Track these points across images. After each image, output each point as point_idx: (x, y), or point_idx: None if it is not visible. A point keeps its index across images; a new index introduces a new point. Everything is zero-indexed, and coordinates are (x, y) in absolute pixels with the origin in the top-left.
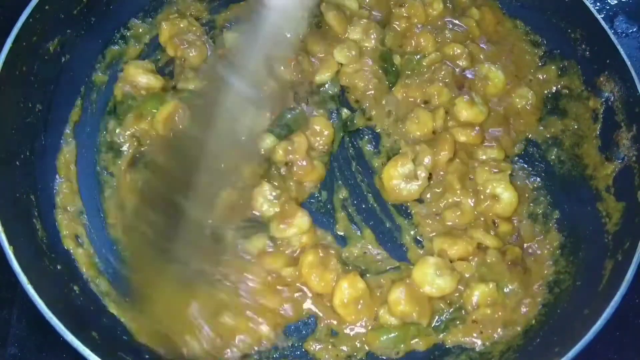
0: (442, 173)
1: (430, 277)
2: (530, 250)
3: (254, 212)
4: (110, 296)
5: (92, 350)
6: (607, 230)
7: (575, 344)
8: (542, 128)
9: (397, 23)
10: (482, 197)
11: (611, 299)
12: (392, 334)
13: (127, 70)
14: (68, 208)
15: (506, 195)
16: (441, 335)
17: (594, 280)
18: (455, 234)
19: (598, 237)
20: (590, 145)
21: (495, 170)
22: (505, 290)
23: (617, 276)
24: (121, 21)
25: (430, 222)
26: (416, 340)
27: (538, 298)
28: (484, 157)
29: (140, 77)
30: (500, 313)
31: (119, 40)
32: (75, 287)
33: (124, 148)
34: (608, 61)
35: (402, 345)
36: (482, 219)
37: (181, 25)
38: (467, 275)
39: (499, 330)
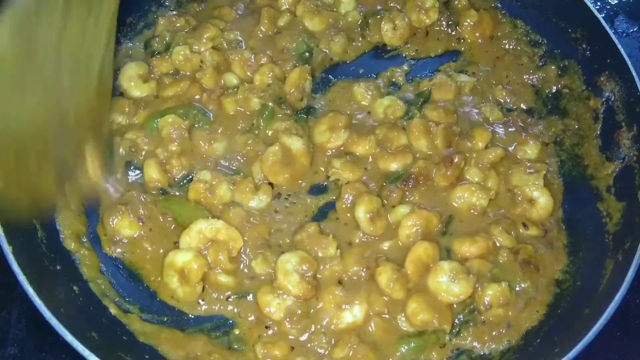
0: None
1: (445, 285)
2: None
3: None
4: (110, 296)
5: (91, 350)
6: (608, 230)
7: (575, 344)
8: (542, 128)
9: None
10: (518, 199)
11: (612, 299)
12: (412, 344)
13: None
14: (68, 208)
15: (542, 200)
16: (454, 341)
17: (595, 280)
18: (473, 232)
19: (599, 237)
20: (590, 145)
21: (530, 171)
22: (516, 289)
23: (617, 276)
24: (121, 20)
25: None
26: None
27: (545, 298)
28: (520, 155)
29: (133, 91)
30: (510, 313)
31: (119, 39)
32: (75, 288)
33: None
34: (608, 61)
35: (422, 357)
36: (508, 218)
37: (177, 25)
38: (486, 273)
39: (503, 330)
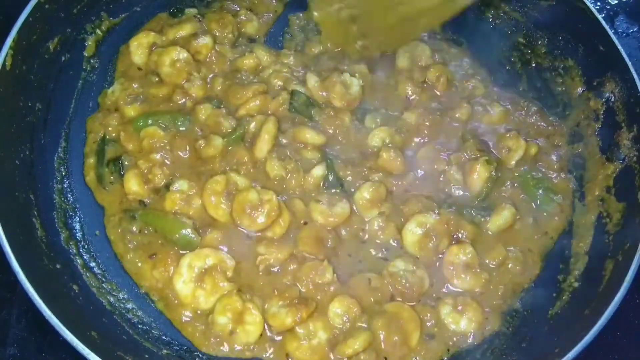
0: None
1: None
2: None
3: None
4: (108, 295)
5: (91, 350)
6: (608, 231)
7: (575, 344)
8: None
9: None
10: None
11: (611, 299)
12: None
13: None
14: (67, 207)
15: None
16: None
17: (595, 280)
18: None
19: (598, 237)
20: (590, 145)
21: None
22: None
23: (617, 277)
24: None
25: None
26: None
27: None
28: None
29: (136, 57)
30: None
31: None
32: (75, 287)
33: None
34: (608, 61)
35: None
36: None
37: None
38: None
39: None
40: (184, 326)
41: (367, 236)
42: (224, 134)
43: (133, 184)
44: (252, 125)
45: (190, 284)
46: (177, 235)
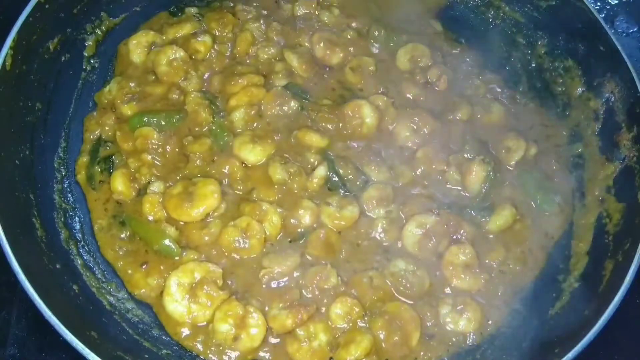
0: None
1: None
2: None
3: None
4: (108, 295)
5: (91, 350)
6: (608, 231)
7: (575, 345)
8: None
9: None
10: None
11: (611, 299)
12: None
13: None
14: (67, 207)
15: None
16: None
17: (595, 280)
18: None
19: (598, 237)
20: (590, 145)
21: None
22: None
23: (617, 277)
24: None
25: None
26: None
27: None
28: None
29: (135, 55)
30: None
31: None
32: (75, 287)
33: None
34: (608, 61)
35: None
36: None
37: None
38: None
39: None
40: (184, 341)
41: (372, 237)
42: (209, 128)
43: (119, 184)
44: (236, 115)
45: (183, 302)
46: (156, 246)
